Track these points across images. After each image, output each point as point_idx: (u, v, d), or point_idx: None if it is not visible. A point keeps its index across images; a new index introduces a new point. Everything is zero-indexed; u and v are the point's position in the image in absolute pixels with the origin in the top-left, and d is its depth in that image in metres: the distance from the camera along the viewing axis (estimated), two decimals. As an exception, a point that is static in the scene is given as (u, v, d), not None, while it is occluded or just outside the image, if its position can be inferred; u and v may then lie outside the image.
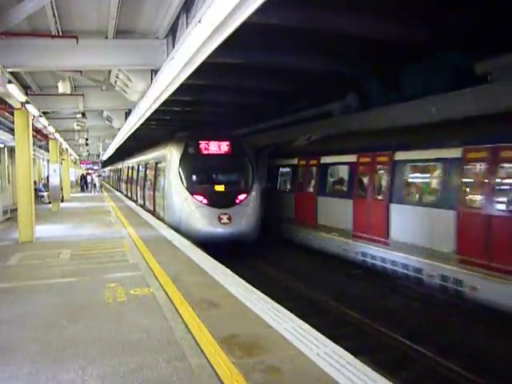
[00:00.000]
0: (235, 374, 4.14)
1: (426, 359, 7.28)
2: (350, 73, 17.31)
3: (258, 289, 7.09)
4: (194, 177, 15.02)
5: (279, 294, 9.26)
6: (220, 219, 13.81)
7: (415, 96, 14.17)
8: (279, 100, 23.69)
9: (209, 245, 12.06)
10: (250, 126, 27.79)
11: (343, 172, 14.08)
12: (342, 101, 18.35)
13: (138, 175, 25.38)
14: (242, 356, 4.53)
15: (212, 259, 9.57)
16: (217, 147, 15.19)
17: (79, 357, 4.61)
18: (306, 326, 5.38)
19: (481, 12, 12.05)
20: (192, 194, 14.40)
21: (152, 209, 19.24)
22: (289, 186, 17.29)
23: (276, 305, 6.22)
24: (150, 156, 21.53)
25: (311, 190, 15.31)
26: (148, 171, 21.35)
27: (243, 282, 7.59)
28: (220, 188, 14.64)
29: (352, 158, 13.24)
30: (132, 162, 29.47)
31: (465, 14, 12.19)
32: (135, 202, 25.62)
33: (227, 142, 15.36)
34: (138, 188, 24.72)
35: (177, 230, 14.09)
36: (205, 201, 14.26)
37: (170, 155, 15.69)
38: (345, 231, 13.04)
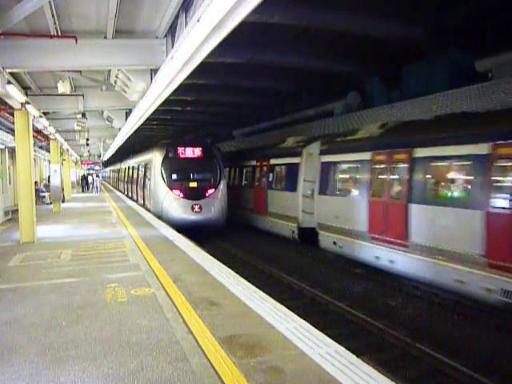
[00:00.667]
0: (236, 374, 4.12)
1: (428, 358, 7.25)
2: (351, 72, 17.31)
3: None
4: (173, 175, 18.30)
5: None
6: (193, 208, 17.40)
7: (417, 95, 14.14)
8: (281, 99, 23.69)
9: (185, 229, 15.24)
10: (253, 125, 27.78)
11: (459, 170, 10.01)
12: (343, 100, 18.30)
13: (131, 175, 28.79)
14: (244, 356, 4.51)
15: (213, 259, 9.55)
16: (191, 152, 18.70)
17: (80, 358, 4.59)
18: (308, 325, 5.36)
19: (481, 10, 12.04)
20: (171, 188, 17.89)
21: (142, 202, 22.60)
22: (355, 190, 12.96)
23: (278, 305, 6.19)
24: (140, 159, 25.05)
25: (398, 195, 11.17)
26: (139, 171, 24.74)
27: (245, 281, 7.57)
28: (193, 184, 18.22)
29: (479, 149, 8.89)
30: (127, 163, 33.26)
31: (465, 13, 12.18)
32: (130, 198, 28.91)
33: (199, 148, 18.90)
34: (132, 185, 28.38)
35: (159, 217, 17.40)
36: (181, 194, 17.76)
37: (155, 158, 19.00)
38: (462, 255, 9.04)
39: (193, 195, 17.76)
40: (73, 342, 5.00)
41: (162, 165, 18.39)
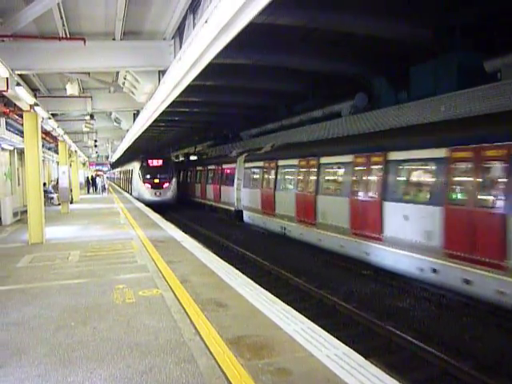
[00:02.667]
0: (244, 375, 4.11)
1: (437, 360, 7.19)
2: (358, 73, 17.26)
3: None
4: (146, 175, 31.08)
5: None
6: (155, 194, 30.52)
7: (424, 95, 14.08)
8: (288, 101, 23.68)
9: (151, 205, 26.12)
10: (260, 125, 27.79)
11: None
12: (350, 101, 18.26)
13: (125, 175, 45.49)
14: (251, 357, 4.50)
15: (221, 260, 9.55)
16: (156, 162, 31.63)
17: (88, 358, 4.61)
18: (316, 327, 5.34)
19: (489, 11, 11.97)
20: (144, 183, 30.85)
21: (130, 192, 36.28)
22: None
23: (286, 306, 6.18)
24: (129, 165, 40.12)
25: None
26: (128, 173, 39.92)
27: (252, 282, 7.57)
28: (156, 180, 30.81)
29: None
30: (122, 168, 51.83)
31: (473, 13, 12.11)
32: (125, 190, 43.85)
33: (161, 160, 32.09)
34: (125, 182, 44.48)
35: (137, 199, 30.40)
36: (149, 186, 30.75)
37: (136, 165, 32.67)
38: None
39: (156, 186, 30.84)
40: (81, 343, 5.02)
41: (139, 169, 31.48)
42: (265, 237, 18.75)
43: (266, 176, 19.26)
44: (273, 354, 4.59)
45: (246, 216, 21.70)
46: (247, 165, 21.84)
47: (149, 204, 26.88)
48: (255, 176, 20.67)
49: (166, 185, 30.85)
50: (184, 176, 37.29)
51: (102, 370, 4.32)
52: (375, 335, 8.41)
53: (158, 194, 30.38)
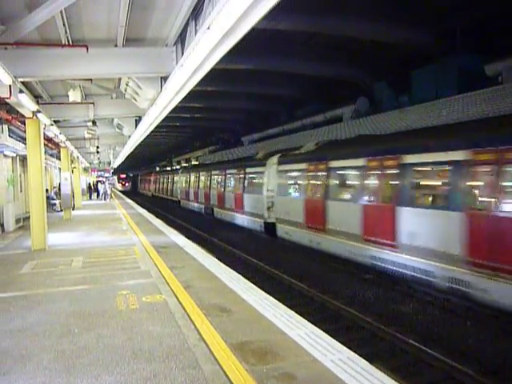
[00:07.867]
0: (249, 381, 4.11)
1: (441, 364, 7.17)
2: (359, 77, 17.31)
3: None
4: (119, 180, 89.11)
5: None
6: (123, 187, 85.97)
7: (426, 99, 14.09)
8: (289, 105, 23.73)
9: (122, 193, 70.00)
10: (262, 131, 27.82)
11: None
12: (351, 105, 18.30)
13: (114, 180, 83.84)
14: (256, 363, 4.50)
15: (223, 265, 9.56)
16: (123, 175, 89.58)
17: (92, 365, 4.61)
18: (320, 331, 5.35)
19: (490, 13, 11.99)
20: (118, 183, 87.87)
21: (113, 187, 65.79)
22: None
23: (289, 311, 6.19)
24: (113, 177, 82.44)
25: None
26: (115, 179, 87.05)
27: (255, 287, 7.57)
28: (123, 182, 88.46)
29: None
30: (113, 178, 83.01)
31: (474, 16, 12.14)
32: (114, 188, 72.43)
33: (125, 174, 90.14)
34: (113, 185, 71.60)
35: (115, 190, 74.13)
36: (120, 185, 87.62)
37: (115, 176, 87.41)
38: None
39: (123, 184, 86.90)
40: (85, 350, 5.03)
41: (117, 178, 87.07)
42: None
43: (179, 180, 39.79)
44: (277, 358, 4.59)
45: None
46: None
47: (120, 191, 70.09)
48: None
49: (126, 184, 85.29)
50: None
51: (107, 377, 4.33)
52: (379, 339, 8.39)
53: (123, 187, 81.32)
